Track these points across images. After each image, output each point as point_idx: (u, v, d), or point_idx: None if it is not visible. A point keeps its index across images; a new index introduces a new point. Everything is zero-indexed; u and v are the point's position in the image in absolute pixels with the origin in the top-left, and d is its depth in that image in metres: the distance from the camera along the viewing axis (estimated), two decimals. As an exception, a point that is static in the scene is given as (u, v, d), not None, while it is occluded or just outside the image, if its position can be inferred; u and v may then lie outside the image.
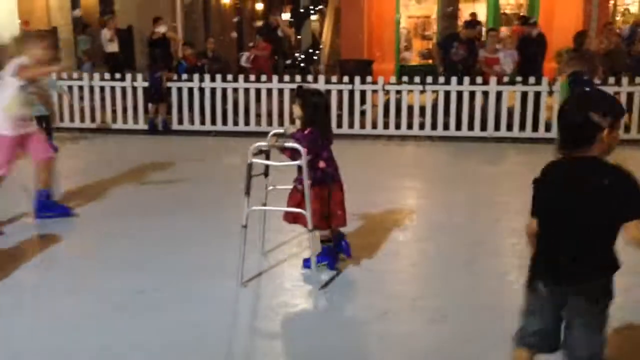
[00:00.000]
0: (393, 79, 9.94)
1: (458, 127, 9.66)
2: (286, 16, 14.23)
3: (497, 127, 9.56)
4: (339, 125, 9.94)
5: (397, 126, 9.86)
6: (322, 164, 4.00)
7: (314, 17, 12.35)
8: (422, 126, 9.78)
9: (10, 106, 5.19)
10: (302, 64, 12.10)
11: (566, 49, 10.84)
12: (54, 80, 8.85)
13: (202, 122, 10.35)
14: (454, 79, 9.48)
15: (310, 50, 12.19)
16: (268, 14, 13.40)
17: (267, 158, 4.06)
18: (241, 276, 4.05)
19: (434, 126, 9.73)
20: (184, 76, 10.33)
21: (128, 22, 16.84)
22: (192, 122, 10.38)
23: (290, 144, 3.85)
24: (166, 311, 3.73)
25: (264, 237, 4.58)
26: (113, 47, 12.56)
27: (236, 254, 4.03)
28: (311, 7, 12.10)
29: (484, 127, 9.60)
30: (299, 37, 12.31)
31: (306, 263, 4.26)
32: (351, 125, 9.96)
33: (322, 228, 4.12)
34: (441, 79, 9.61)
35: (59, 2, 17.37)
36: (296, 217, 4.08)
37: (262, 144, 3.93)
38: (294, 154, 3.88)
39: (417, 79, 9.72)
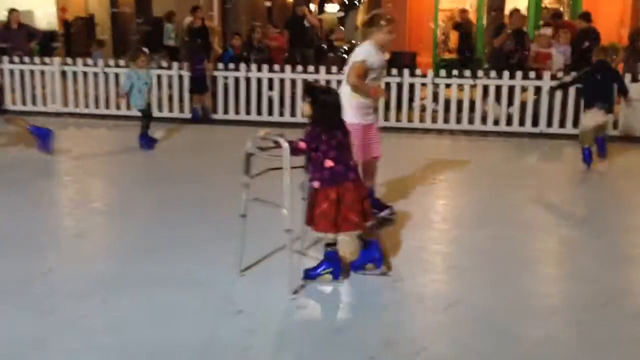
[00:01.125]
0: (443, 73, 9.78)
1: (508, 122, 9.53)
2: (333, 7, 14.10)
3: (549, 123, 9.40)
4: (386, 119, 9.90)
5: (446, 120, 9.75)
6: (329, 163, 3.78)
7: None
8: (471, 121, 9.66)
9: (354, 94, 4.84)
10: (344, 55, 11.98)
11: (611, 44, 10.66)
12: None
13: (248, 112, 10.30)
14: (505, 74, 9.34)
15: (354, 42, 12.04)
16: (296, 4, 13.21)
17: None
18: (240, 265, 4.05)
19: (483, 121, 9.61)
20: (230, 65, 10.31)
21: (166, 9, 16.83)
22: (237, 111, 10.34)
23: (276, 138, 3.75)
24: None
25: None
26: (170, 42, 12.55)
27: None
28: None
29: (535, 123, 9.45)
30: (342, 28, 12.18)
31: (310, 273, 3.93)
32: (398, 119, 9.87)
33: (329, 232, 3.81)
34: (493, 73, 9.46)
35: (97, -11, 17.43)
36: (312, 221, 3.87)
37: (260, 134, 3.88)
38: (292, 151, 3.76)
39: (467, 73, 9.61)
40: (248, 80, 10.21)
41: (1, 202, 5.73)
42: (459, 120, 9.70)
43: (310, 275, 3.93)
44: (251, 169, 3.94)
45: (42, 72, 10.73)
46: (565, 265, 4.62)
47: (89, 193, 6.32)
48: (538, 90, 9.37)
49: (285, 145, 3.71)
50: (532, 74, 9.34)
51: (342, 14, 12.90)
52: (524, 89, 9.46)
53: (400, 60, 11.71)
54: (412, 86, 9.77)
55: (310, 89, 4.03)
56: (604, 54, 7.18)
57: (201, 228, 5.01)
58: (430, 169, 7.19)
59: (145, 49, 9.09)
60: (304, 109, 3.94)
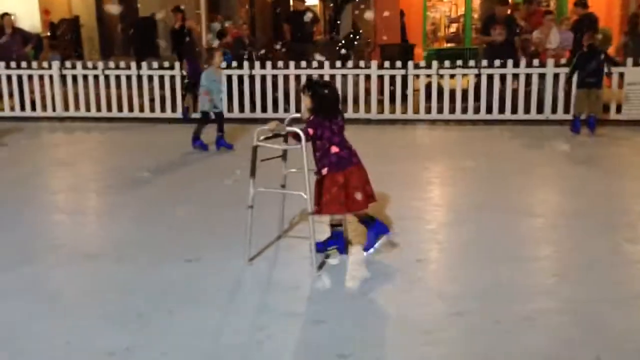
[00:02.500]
0: (447, 63, 9.86)
1: (506, 109, 9.67)
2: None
3: (554, 110, 9.57)
4: (392, 111, 9.98)
5: (451, 110, 9.86)
6: (334, 149, 4.04)
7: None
8: (465, 110, 9.80)
9: None
10: (342, 50, 12.00)
11: (602, 29, 10.86)
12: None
13: (252, 110, 10.28)
14: (509, 62, 9.48)
15: (351, 36, 12.09)
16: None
17: (286, 141, 4.18)
18: (248, 254, 4.12)
19: (488, 110, 9.73)
20: (234, 64, 10.28)
21: (151, 9, 16.65)
22: (242, 110, 10.32)
23: (290, 128, 3.99)
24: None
25: (283, 219, 4.60)
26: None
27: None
28: (351, -8, 11.97)
29: (540, 110, 9.61)
30: (338, 22, 12.20)
31: (319, 246, 4.16)
32: (404, 111, 9.97)
33: (338, 212, 4.13)
34: (496, 62, 9.58)
35: (81, -10, 17.16)
36: (320, 208, 4.07)
37: (265, 127, 4.04)
38: (296, 138, 3.98)
39: (471, 63, 9.73)
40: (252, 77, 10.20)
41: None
42: (464, 110, 9.82)
43: (319, 248, 4.16)
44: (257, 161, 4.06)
45: (41, 77, 10.56)
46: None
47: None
48: (542, 77, 9.51)
49: (301, 133, 3.90)
50: (535, 62, 9.48)
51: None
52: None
53: (398, 52, 11.77)
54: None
55: (311, 83, 4.23)
56: (592, 39, 8.59)
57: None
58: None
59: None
60: (304, 102, 4.12)
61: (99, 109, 10.55)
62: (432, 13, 16.70)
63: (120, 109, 10.51)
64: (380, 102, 10.06)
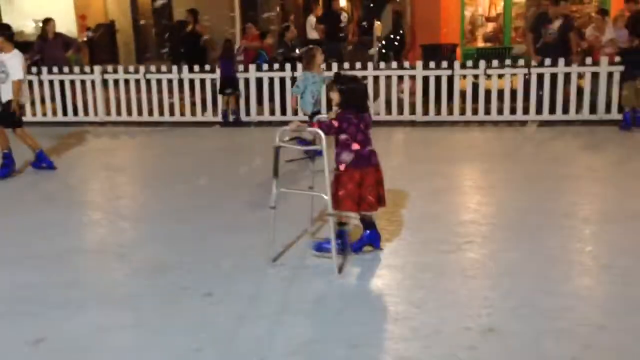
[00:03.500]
0: (495, 63, 9.59)
1: (565, 110, 9.38)
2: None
3: (607, 109, 9.25)
4: (438, 112, 9.75)
5: (500, 111, 9.59)
6: (355, 146, 4.03)
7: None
8: (513, 111, 9.52)
9: None
10: (383, 50, 11.82)
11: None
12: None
13: (283, 113, 10.05)
14: (561, 61, 9.19)
15: (392, 36, 11.88)
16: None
17: (312, 143, 4.25)
18: (274, 253, 4.19)
19: (538, 111, 9.45)
20: (265, 66, 10.14)
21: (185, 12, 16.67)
22: (272, 113, 10.16)
23: (311, 128, 4.01)
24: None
25: (312, 219, 4.67)
26: (315, 35, 12.19)
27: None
28: (392, -9, 11.76)
29: (593, 110, 9.31)
30: (378, 22, 12.00)
31: (320, 245, 4.26)
32: (450, 112, 9.74)
33: (352, 210, 4.14)
34: (547, 61, 9.29)
35: (117, -5, 17.25)
36: (335, 202, 4.08)
37: (287, 128, 4.06)
38: (316, 139, 4.00)
39: (521, 62, 9.47)
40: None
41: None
42: (513, 110, 9.55)
43: (323, 247, 4.23)
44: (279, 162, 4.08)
45: (83, 82, 10.54)
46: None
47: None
48: (595, 76, 9.21)
49: (322, 133, 3.89)
50: (588, 60, 9.19)
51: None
52: (580, 76, 9.31)
53: (440, 52, 11.54)
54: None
55: (339, 78, 4.21)
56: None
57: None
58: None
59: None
60: (333, 96, 4.13)
61: (140, 113, 10.50)
62: (468, 12, 16.37)
63: (161, 113, 10.46)
64: (425, 103, 9.82)
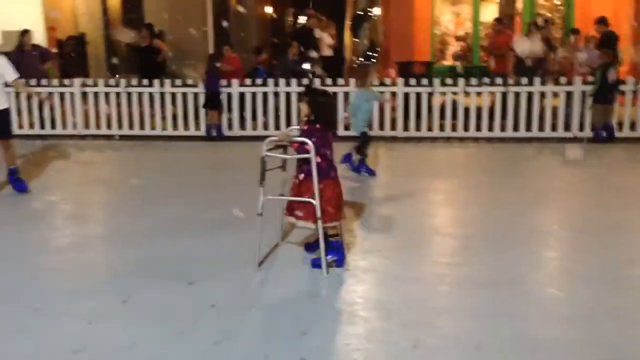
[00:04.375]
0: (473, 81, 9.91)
1: (541, 128, 9.74)
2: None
3: (581, 127, 9.65)
4: (418, 128, 9.98)
5: (478, 128, 9.90)
6: (317, 159, 4.10)
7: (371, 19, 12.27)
8: (491, 128, 9.85)
9: None
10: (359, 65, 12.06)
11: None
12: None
13: (266, 128, 10.12)
14: (537, 80, 9.57)
15: (368, 53, 12.13)
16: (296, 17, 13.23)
17: (285, 152, 4.31)
18: (258, 260, 4.27)
19: (515, 128, 9.79)
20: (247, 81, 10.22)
21: (159, 26, 16.58)
22: (265, 127, 10.25)
23: (299, 138, 4.10)
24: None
25: (283, 227, 4.74)
26: (328, 52, 12.09)
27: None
28: (369, 9, 12.02)
29: (567, 127, 9.70)
30: (356, 40, 12.24)
31: (315, 261, 4.27)
32: (430, 129, 9.99)
33: (308, 221, 4.17)
34: (524, 80, 9.64)
35: (87, 7, 17.04)
36: (293, 209, 4.22)
37: (274, 138, 4.22)
38: (300, 148, 4.11)
39: (498, 80, 9.82)
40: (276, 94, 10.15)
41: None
42: (490, 127, 9.86)
43: (316, 264, 4.23)
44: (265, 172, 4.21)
45: (62, 94, 10.40)
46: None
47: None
48: (569, 95, 9.61)
49: (311, 144, 4.01)
50: (562, 80, 9.58)
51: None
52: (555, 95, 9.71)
53: (415, 69, 11.79)
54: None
55: (309, 91, 4.33)
56: (606, 57, 9.30)
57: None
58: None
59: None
60: (302, 108, 4.23)
61: (120, 127, 10.41)
62: (438, 31, 16.79)
63: (142, 126, 10.40)
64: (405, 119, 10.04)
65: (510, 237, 5.00)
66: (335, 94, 9.57)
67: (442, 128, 9.97)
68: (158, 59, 11.22)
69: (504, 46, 10.97)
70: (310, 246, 4.48)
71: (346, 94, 9.48)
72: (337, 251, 4.29)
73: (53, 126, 10.49)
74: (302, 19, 12.83)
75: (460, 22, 17.06)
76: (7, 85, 6.56)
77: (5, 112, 6.41)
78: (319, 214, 4.06)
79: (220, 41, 16.60)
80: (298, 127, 4.47)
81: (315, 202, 4.06)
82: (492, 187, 6.82)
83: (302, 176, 4.18)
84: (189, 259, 4.53)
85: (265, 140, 4.18)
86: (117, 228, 5.43)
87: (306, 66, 10.29)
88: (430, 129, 9.99)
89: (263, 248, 4.38)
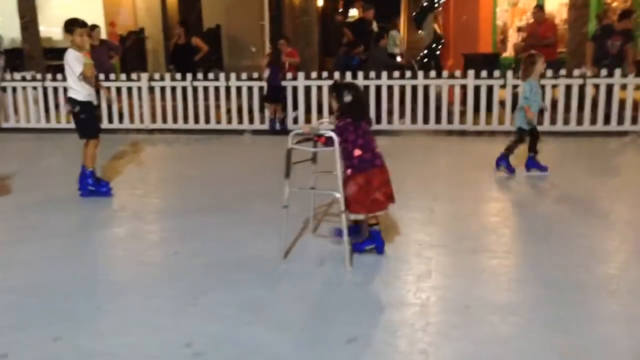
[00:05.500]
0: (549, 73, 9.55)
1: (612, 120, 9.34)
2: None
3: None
4: (501, 122, 9.68)
5: (552, 121, 9.55)
6: (357, 152, 4.22)
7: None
8: (567, 121, 9.48)
9: None
10: (424, 60, 11.81)
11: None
12: None
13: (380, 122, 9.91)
14: (617, 72, 9.16)
15: (434, 45, 11.86)
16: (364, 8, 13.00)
17: (314, 145, 4.35)
18: (284, 251, 4.38)
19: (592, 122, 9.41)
20: (313, 74, 10.09)
21: (216, 21, 16.67)
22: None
23: (323, 131, 4.17)
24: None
25: (313, 218, 4.94)
26: (397, 50, 12.06)
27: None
28: (435, 1, 11.75)
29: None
30: (420, 32, 11.99)
31: (337, 232, 4.47)
32: (501, 122, 9.69)
33: (360, 212, 4.29)
34: (603, 72, 9.24)
35: (146, 3, 17.22)
36: (346, 205, 4.24)
37: (300, 131, 4.28)
38: (328, 142, 4.17)
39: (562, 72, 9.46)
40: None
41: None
42: (566, 121, 9.50)
43: (357, 248, 4.38)
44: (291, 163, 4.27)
45: (129, 89, 10.48)
46: None
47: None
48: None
49: (335, 136, 4.08)
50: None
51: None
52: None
53: (482, 61, 11.48)
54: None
55: (336, 86, 4.40)
56: None
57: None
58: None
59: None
60: (332, 103, 4.34)
61: (186, 121, 10.44)
62: (500, 22, 16.37)
63: (207, 120, 10.40)
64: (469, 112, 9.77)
65: None
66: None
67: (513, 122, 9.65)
68: (196, 56, 11.14)
69: (547, 35, 10.62)
70: (349, 231, 4.39)
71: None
72: (376, 239, 4.41)
73: (121, 120, 10.58)
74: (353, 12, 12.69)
75: (519, 12, 16.59)
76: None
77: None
78: (342, 206, 4.14)
79: (276, 35, 16.60)
80: (328, 119, 4.56)
81: (339, 195, 4.13)
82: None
83: (349, 172, 4.25)
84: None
85: (291, 133, 4.25)
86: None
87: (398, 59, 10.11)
88: (502, 122, 9.69)
89: (288, 240, 4.53)
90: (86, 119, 6.14)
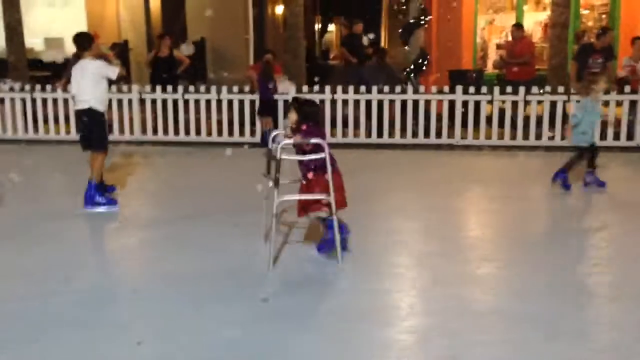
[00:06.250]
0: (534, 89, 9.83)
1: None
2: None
3: (644, 137, 9.55)
4: (476, 137, 9.92)
5: (537, 137, 9.82)
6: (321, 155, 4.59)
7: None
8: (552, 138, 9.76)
9: None
10: (410, 74, 12.00)
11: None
12: None
13: (371, 135, 10.14)
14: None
15: (420, 61, 12.08)
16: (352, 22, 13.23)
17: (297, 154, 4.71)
18: (271, 258, 4.61)
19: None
20: (304, 88, 10.22)
21: (200, 33, 16.73)
22: (345, 135, 10.19)
23: (314, 140, 4.51)
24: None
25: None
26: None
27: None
28: (421, 17, 11.99)
29: (630, 137, 9.59)
30: (406, 47, 12.22)
31: (322, 246, 4.84)
32: (489, 137, 9.93)
33: (343, 206, 4.73)
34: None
35: (130, 15, 17.20)
36: (306, 208, 4.68)
37: (288, 141, 4.59)
38: (316, 149, 4.54)
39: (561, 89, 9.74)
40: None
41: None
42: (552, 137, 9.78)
43: (322, 248, 4.83)
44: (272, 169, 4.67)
45: (120, 101, 10.47)
46: None
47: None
48: (634, 104, 9.50)
49: (324, 143, 4.49)
50: (627, 89, 9.48)
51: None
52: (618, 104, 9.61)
53: (466, 78, 11.73)
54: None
55: (297, 101, 4.83)
56: None
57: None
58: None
59: None
60: (290, 116, 4.71)
61: (176, 133, 10.46)
62: (480, 39, 16.73)
63: (198, 132, 10.43)
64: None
65: None
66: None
67: (500, 136, 9.91)
68: (178, 70, 11.17)
69: (524, 53, 10.94)
70: (322, 246, 4.88)
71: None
72: (346, 231, 4.85)
73: (110, 131, 10.52)
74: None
75: (497, 29, 16.98)
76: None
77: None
78: (334, 209, 4.54)
79: (260, 48, 16.71)
80: (284, 132, 5.03)
81: (331, 198, 4.51)
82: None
83: (311, 174, 4.62)
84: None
85: (280, 144, 4.56)
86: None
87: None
88: (489, 137, 9.93)
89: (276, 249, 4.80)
90: (104, 130, 6.25)
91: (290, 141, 4.56)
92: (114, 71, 6.18)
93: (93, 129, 6.22)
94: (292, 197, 4.71)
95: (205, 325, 3.66)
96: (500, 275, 4.62)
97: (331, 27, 21.65)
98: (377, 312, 3.90)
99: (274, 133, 5.22)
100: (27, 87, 10.63)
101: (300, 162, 4.63)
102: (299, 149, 4.62)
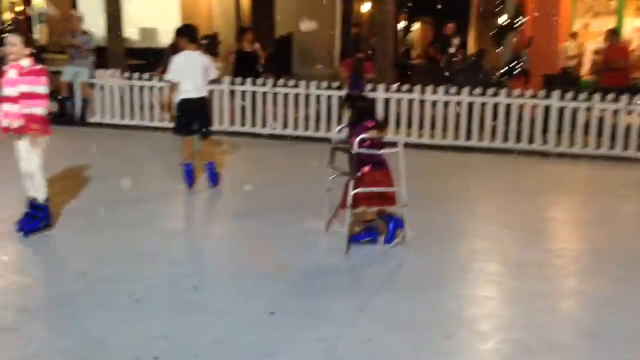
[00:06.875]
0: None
1: None
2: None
3: None
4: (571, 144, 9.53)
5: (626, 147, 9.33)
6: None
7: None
8: None
9: None
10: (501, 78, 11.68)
11: None
12: None
13: (456, 137, 9.92)
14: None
15: (512, 64, 11.74)
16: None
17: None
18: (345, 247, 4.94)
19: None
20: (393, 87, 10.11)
21: (288, 29, 16.90)
22: (432, 136, 10.04)
23: (389, 137, 4.97)
24: None
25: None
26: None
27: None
28: (516, 19, 11.65)
29: None
30: (499, 50, 11.92)
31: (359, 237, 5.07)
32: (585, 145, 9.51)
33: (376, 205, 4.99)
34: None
35: (222, 7, 17.59)
36: (357, 201, 4.86)
37: (365, 135, 4.75)
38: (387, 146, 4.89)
39: None
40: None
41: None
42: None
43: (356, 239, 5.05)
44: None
45: (211, 92, 10.69)
46: None
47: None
48: None
49: (401, 139, 5.02)
50: None
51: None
52: None
53: (562, 82, 11.29)
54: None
55: (350, 97, 5.18)
56: None
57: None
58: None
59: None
60: (345, 113, 4.98)
61: (264, 125, 10.59)
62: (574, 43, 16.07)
63: (285, 125, 10.52)
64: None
65: None
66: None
67: (598, 146, 9.46)
68: (257, 65, 11.23)
69: (619, 59, 10.42)
70: (357, 236, 5.10)
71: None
72: (372, 232, 5.11)
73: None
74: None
75: (593, 34, 16.25)
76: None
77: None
78: (405, 200, 4.88)
79: (346, 45, 16.71)
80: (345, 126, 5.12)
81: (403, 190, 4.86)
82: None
83: (367, 168, 4.78)
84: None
85: (358, 138, 4.74)
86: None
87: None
88: (585, 145, 9.50)
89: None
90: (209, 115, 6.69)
91: (368, 135, 4.70)
92: (215, 72, 6.53)
93: (208, 115, 6.64)
94: (364, 190, 4.80)
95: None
96: (605, 291, 4.40)
97: (415, 26, 21.43)
98: (478, 321, 3.80)
99: (338, 127, 5.44)
100: (126, 74, 11.05)
101: (357, 156, 4.73)
102: (361, 144, 4.75)
